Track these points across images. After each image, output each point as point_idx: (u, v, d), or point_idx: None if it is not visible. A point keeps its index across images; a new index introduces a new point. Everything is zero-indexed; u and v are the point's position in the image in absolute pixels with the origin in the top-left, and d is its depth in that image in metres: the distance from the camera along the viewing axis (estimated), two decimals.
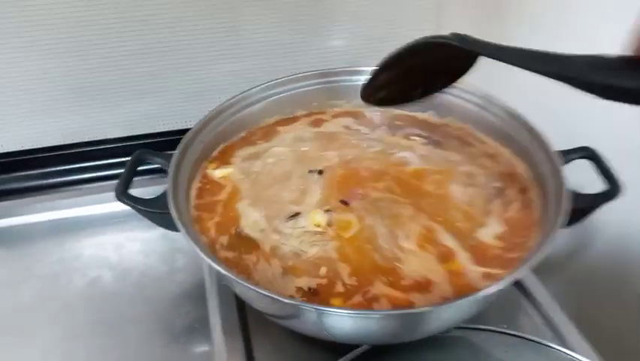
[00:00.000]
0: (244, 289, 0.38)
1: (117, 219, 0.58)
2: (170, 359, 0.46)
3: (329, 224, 0.45)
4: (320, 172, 0.50)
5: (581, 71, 0.27)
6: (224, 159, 0.52)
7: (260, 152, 0.53)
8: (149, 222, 0.47)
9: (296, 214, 0.46)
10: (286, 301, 0.36)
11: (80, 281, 0.52)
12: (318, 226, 0.45)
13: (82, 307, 0.50)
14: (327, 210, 0.46)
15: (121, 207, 0.57)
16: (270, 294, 0.35)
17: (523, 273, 0.36)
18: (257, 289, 0.35)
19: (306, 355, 0.44)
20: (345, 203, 0.47)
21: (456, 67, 0.41)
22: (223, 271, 0.37)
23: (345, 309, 0.37)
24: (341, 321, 0.36)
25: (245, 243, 0.45)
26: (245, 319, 0.48)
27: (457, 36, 0.37)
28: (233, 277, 0.37)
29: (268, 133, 0.56)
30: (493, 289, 0.34)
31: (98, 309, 0.50)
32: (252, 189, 0.49)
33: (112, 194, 0.45)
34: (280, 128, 0.56)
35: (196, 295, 0.51)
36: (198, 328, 0.48)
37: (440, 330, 0.40)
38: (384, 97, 0.45)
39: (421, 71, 0.42)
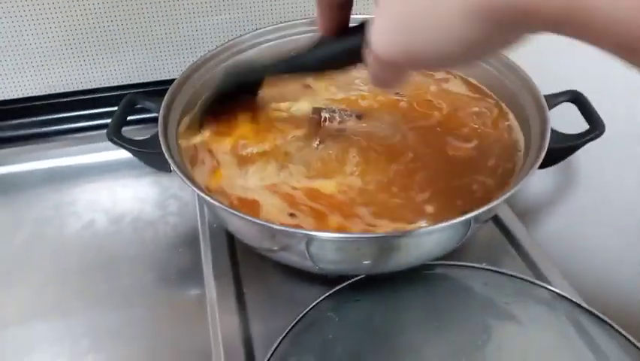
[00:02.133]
0: (233, 218, 0.39)
1: (110, 167, 0.59)
2: (163, 301, 0.47)
3: None
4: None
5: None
6: None
7: None
8: (142, 170, 0.48)
9: None
10: (274, 226, 0.37)
11: (74, 224, 0.53)
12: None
13: (76, 249, 0.51)
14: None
15: (114, 155, 0.59)
16: (256, 220, 0.36)
17: (501, 201, 0.37)
18: (244, 216, 0.37)
19: (297, 293, 0.46)
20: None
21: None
22: (210, 200, 0.38)
23: (332, 233, 0.38)
24: (325, 246, 0.37)
25: None
26: (236, 261, 0.49)
27: (226, 76, 0.48)
28: (220, 205, 0.38)
29: None
30: (471, 214, 0.35)
31: (91, 250, 0.51)
32: None
33: (106, 143, 0.46)
34: None
35: (189, 238, 0.52)
36: (191, 270, 0.49)
37: (421, 260, 0.41)
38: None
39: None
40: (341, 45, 0.34)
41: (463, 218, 0.35)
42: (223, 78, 0.48)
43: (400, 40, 0.23)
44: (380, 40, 0.24)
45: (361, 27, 0.32)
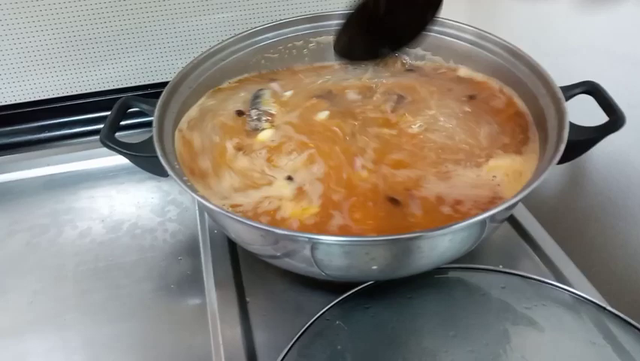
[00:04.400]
0: (234, 223, 0.37)
1: (109, 173, 0.58)
2: (162, 311, 0.45)
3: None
4: None
5: None
6: None
7: None
8: (142, 176, 0.46)
9: None
10: (278, 231, 0.34)
11: (71, 232, 0.51)
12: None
13: (72, 256, 0.49)
14: None
15: (113, 161, 0.57)
16: (256, 224, 0.34)
17: (518, 199, 0.34)
18: (246, 221, 0.34)
19: (303, 301, 0.43)
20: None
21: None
22: (211, 206, 0.36)
23: (336, 236, 0.36)
24: (332, 251, 0.35)
25: None
26: (238, 268, 0.47)
27: None
28: (220, 210, 0.36)
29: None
30: (487, 214, 0.33)
31: (88, 258, 0.49)
32: None
33: (102, 149, 0.44)
34: None
35: (190, 245, 0.50)
36: (192, 279, 0.47)
37: (434, 263, 0.39)
38: (353, 50, 0.43)
39: (384, 26, 0.40)
40: None
41: (479, 218, 0.33)
42: None
43: None
44: None
45: None
